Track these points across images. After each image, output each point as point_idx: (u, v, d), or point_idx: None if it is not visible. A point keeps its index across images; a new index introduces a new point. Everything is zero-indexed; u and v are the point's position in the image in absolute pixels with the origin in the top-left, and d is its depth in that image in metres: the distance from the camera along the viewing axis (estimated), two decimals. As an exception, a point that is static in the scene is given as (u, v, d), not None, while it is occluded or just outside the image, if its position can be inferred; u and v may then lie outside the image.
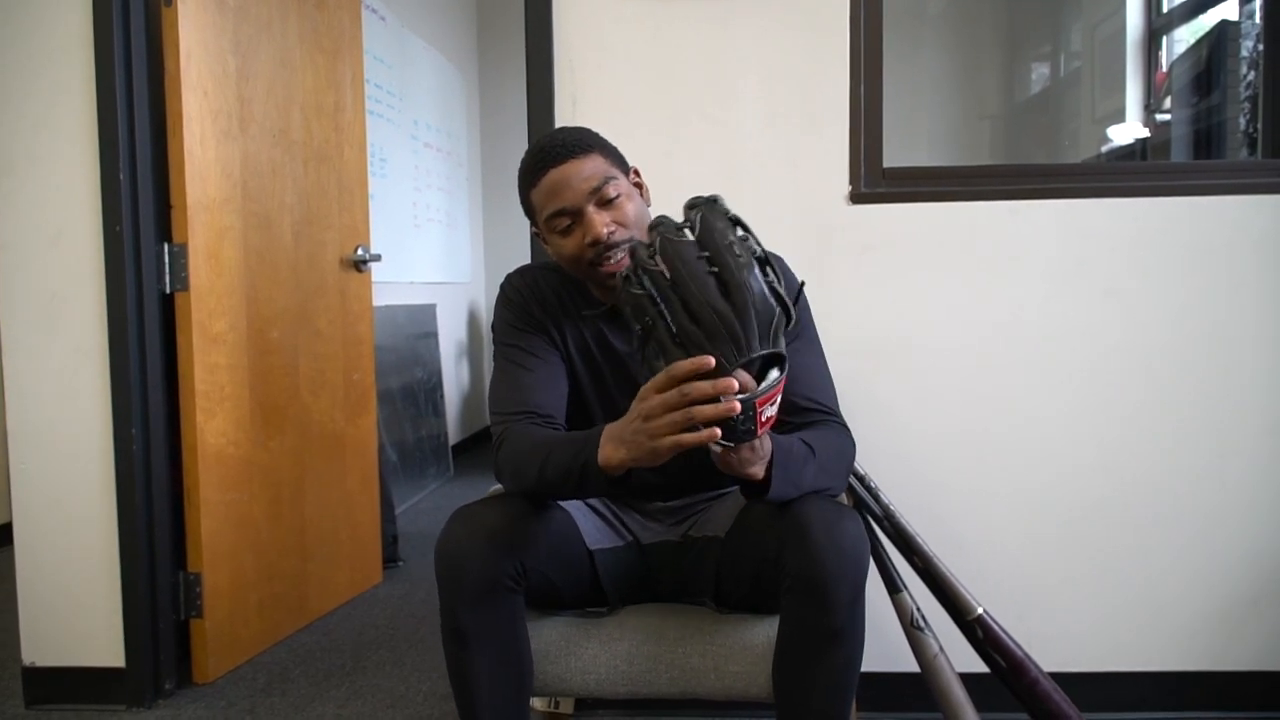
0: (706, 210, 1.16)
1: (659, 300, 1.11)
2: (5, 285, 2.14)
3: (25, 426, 2.16)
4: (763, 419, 1.13)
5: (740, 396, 1.09)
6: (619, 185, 1.42)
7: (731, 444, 1.14)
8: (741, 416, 1.10)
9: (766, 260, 1.15)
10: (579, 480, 1.26)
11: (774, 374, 1.14)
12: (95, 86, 2.09)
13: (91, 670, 2.18)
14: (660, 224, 1.14)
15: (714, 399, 1.09)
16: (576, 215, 1.40)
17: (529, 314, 1.52)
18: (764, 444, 1.21)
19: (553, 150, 1.41)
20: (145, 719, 2.14)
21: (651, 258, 1.12)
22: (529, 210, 1.48)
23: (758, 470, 1.22)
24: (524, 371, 1.47)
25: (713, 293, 1.10)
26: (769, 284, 1.13)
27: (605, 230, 1.38)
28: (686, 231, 1.13)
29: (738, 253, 1.12)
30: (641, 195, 1.49)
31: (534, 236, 1.56)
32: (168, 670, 2.23)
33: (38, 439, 2.16)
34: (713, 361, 1.09)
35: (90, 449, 2.15)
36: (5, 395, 2.16)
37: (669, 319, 1.11)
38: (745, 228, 1.17)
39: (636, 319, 1.14)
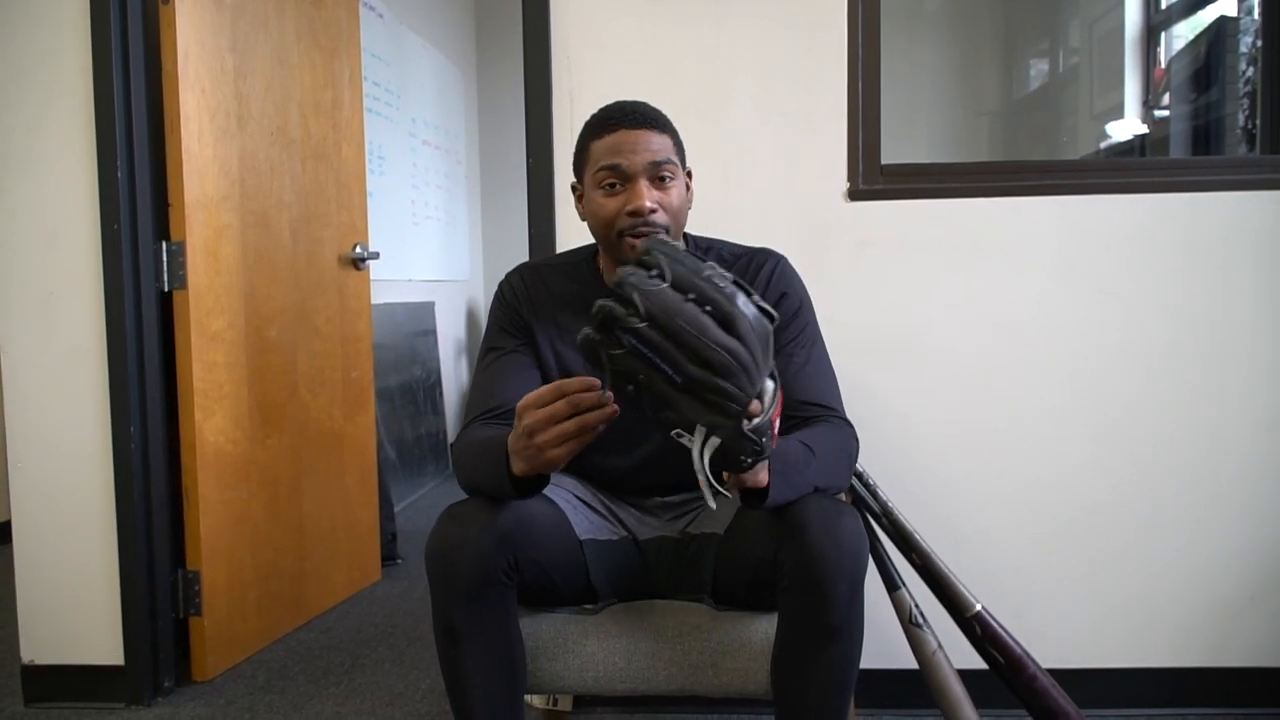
0: (668, 251, 1.10)
1: (650, 354, 1.05)
2: (3, 284, 2.14)
3: (23, 425, 2.16)
4: (775, 433, 1.14)
5: (757, 421, 1.10)
6: (675, 172, 1.44)
7: (746, 468, 1.14)
8: (764, 439, 1.11)
9: (737, 281, 1.12)
10: (507, 488, 1.27)
11: (770, 386, 1.13)
12: (93, 84, 2.09)
13: (90, 668, 2.18)
14: (629, 278, 1.06)
15: (597, 405, 1.11)
16: (628, 180, 1.41)
17: (517, 316, 1.54)
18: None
19: (633, 113, 1.43)
20: (144, 717, 2.14)
21: (631, 315, 1.05)
22: (581, 159, 1.48)
23: (764, 477, 1.22)
24: (494, 373, 1.49)
25: (715, 332, 1.05)
26: (755, 303, 1.10)
27: (648, 204, 1.40)
28: (657, 280, 1.07)
29: (719, 284, 1.08)
30: (688, 194, 1.50)
31: (567, 191, 1.55)
32: (167, 668, 2.23)
33: (36, 437, 2.16)
34: (599, 381, 1.10)
35: (89, 447, 2.15)
36: (3, 394, 2.16)
37: (670, 370, 1.06)
38: (701, 257, 1.15)
39: (627, 380, 1.08)
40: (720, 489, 1.13)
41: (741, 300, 1.08)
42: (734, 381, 1.06)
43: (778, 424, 1.15)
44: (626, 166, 1.41)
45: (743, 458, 1.12)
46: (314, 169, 2.71)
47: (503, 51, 5.55)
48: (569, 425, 1.13)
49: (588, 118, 1.48)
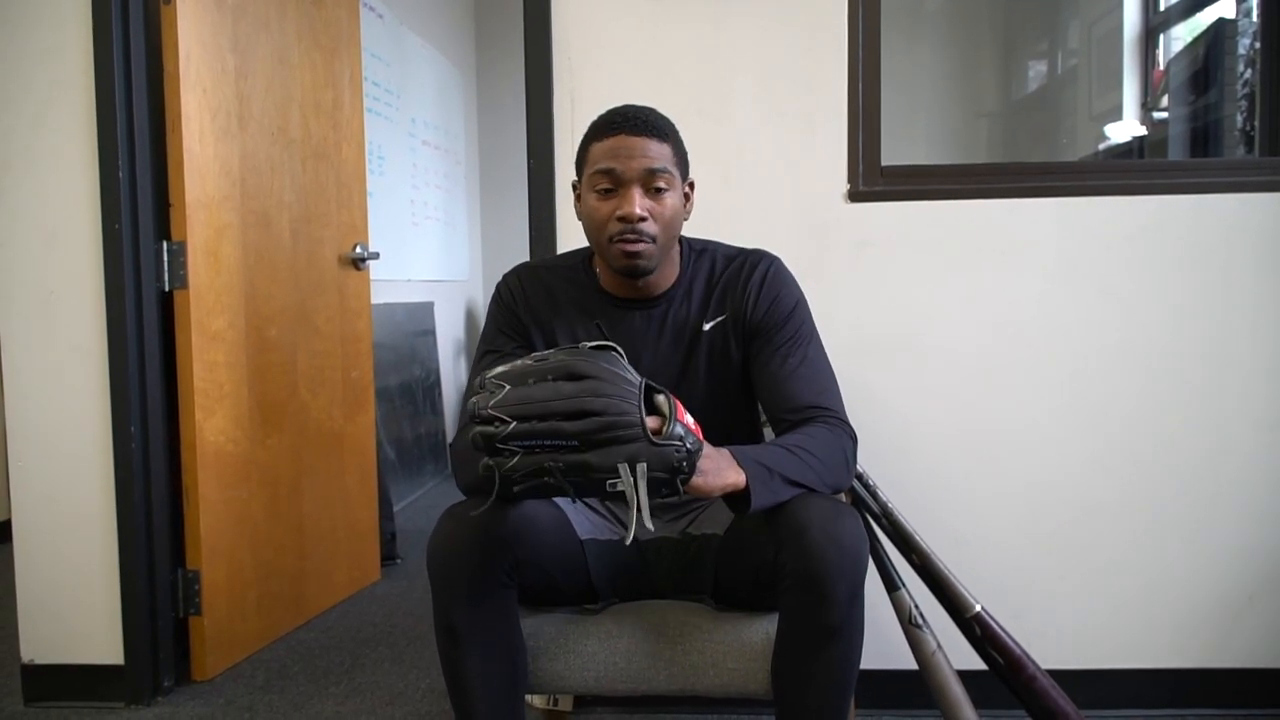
0: (495, 372, 1.15)
1: (538, 443, 1.10)
2: (3, 283, 2.14)
3: (24, 424, 2.16)
4: (692, 426, 1.18)
5: (667, 429, 1.14)
6: (672, 182, 1.44)
7: (688, 470, 1.16)
8: (686, 442, 1.14)
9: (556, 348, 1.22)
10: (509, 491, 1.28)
11: (661, 399, 1.18)
12: (94, 84, 2.09)
13: (90, 667, 2.19)
14: (478, 406, 1.11)
15: None
16: (621, 185, 1.42)
17: (515, 318, 1.54)
18: (715, 452, 1.23)
19: (636, 119, 1.43)
20: (144, 716, 2.14)
21: (500, 427, 1.09)
22: (581, 160, 1.49)
23: (732, 476, 1.23)
24: None
25: (568, 386, 1.11)
26: (585, 346, 1.17)
27: (638, 211, 1.40)
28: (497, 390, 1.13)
29: (545, 356, 1.15)
30: (686, 206, 1.50)
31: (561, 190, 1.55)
32: (166, 667, 2.23)
33: (36, 437, 2.16)
34: None
35: (89, 446, 2.15)
36: (4, 393, 2.17)
37: (562, 442, 1.10)
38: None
39: (541, 476, 1.11)
40: (646, 521, 1.13)
41: (569, 351, 1.16)
42: (612, 411, 1.10)
43: (688, 420, 1.19)
44: (621, 172, 1.41)
45: (677, 464, 1.14)
46: (314, 169, 2.71)
47: (502, 52, 5.55)
48: None
49: (592, 119, 1.49)
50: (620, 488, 1.11)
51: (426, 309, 4.60)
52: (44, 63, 2.10)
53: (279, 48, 2.55)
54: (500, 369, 1.14)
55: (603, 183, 1.42)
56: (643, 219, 1.40)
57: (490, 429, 1.09)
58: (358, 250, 2.91)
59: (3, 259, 2.14)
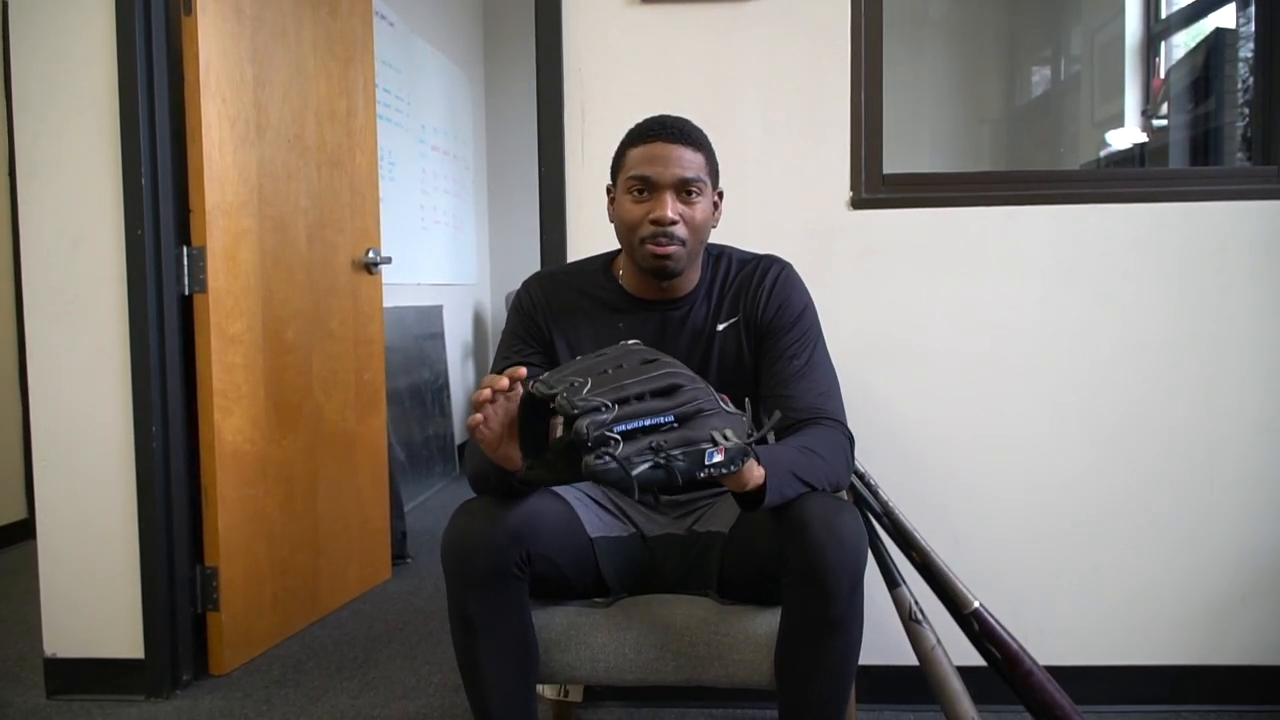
0: (551, 374, 1.18)
1: (639, 430, 1.12)
2: (30, 286, 2.20)
3: (48, 424, 2.22)
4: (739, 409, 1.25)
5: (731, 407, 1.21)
6: (703, 190, 1.51)
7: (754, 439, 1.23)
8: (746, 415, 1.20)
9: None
10: (508, 481, 1.37)
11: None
12: (118, 93, 2.14)
13: (111, 661, 2.24)
14: (565, 402, 1.11)
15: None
16: (656, 190, 1.48)
17: (534, 324, 1.60)
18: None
19: (673, 128, 1.50)
20: (163, 709, 2.19)
21: (606, 414, 1.10)
22: (617, 164, 1.56)
23: (758, 471, 1.27)
24: None
25: (648, 368, 1.18)
26: (623, 343, 1.27)
27: (670, 215, 1.47)
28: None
29: (604, 354, 1.21)
30: (714, 214, 1.57)
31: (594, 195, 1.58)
32: (185, 661, 2.28)
33: (61, 436, 2.22)
34: (523, 372, 1.26)
35: (111, 446, 2.21)
36: (29, 393, 2.22)
37: (661, 421, 1.13)
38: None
39: (656, 453, 1.12)
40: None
41: (621, 346, 1.25)
42: (696, 385, 1.19)
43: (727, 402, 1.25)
44: (656, 178, 1.48)
45: (750, 431, 1.22)
46: (329, 176, 2.77)
47: (510, 59, 5.61)
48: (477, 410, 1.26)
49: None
50: (718, 458, 1.15)
51: (435, 312, 4.65)
52: (69, 73, 2.16)
53: (296, 57, 2.61)
54: (563, 369, 1.18)
55: (638, 186, 1.49)
56: (674, 222, 1.47)
57: (600, 416, 1.09)
58: (370, 255, 2.96)
59: (29, 263, 2.20)
